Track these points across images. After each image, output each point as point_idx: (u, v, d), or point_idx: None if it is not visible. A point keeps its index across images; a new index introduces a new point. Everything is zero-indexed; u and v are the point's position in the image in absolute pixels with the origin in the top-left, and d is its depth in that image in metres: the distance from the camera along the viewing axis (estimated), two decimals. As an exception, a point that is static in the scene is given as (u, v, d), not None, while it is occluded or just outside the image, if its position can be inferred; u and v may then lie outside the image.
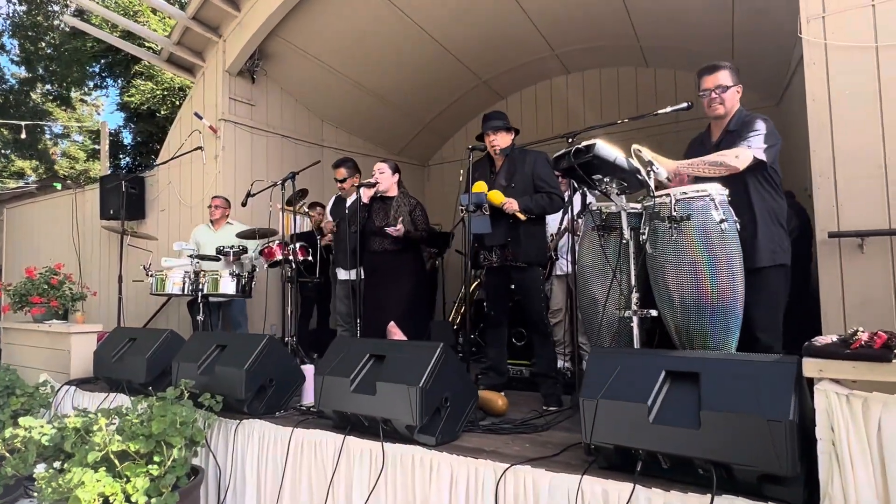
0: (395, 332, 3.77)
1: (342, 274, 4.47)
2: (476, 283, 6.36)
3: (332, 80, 6.32)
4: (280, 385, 3.28)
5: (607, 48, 6.24)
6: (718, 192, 2.43)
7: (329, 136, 6.86)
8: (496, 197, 3.32)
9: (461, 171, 3.50)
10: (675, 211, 2.39)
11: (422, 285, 4.06)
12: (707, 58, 5.98)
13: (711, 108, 2.78)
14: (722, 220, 2.38)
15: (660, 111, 2.78)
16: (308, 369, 3.55)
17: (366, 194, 3.88)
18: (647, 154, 2.46)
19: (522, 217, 3.33)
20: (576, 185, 2.79)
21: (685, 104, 2.77)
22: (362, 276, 3.73)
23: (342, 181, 4.41)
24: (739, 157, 2.50)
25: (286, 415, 3.20)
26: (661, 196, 2.45)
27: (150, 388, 3.53)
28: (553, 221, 4.66)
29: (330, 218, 4.71)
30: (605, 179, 2.55)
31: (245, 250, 4.60)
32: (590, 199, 3.65)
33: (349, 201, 4.39)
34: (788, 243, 2.63)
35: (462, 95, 7.21)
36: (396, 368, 2.62)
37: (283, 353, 3.40)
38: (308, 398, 3.48)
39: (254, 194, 4.83)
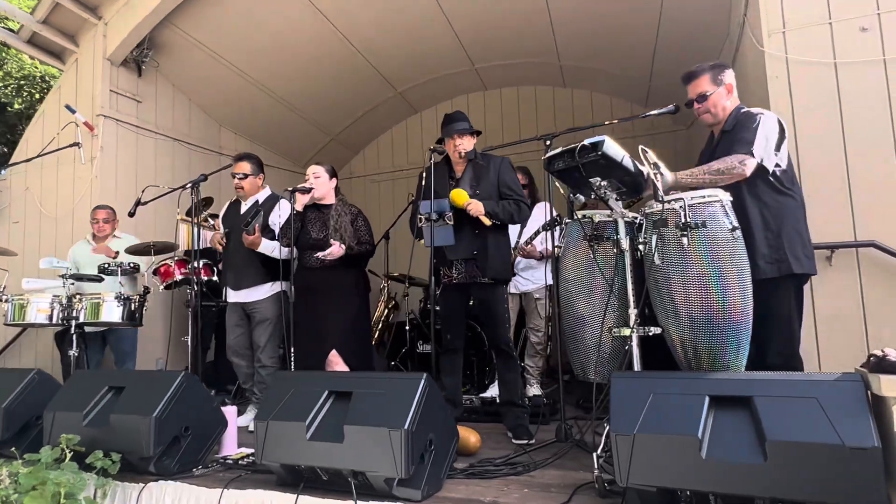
0: (337, 363, 3.23)
1: (233, 296, 3.68)
2: (391, 304, 5.91)
3: (235, 81, 5.64)
4: (198, 434, 2.62)
5: (527, 66, 6.19)
6: (728, 197, 2.27)
7: (228, 142, 6.11)
8: (459, 196, 2.97)
9: (421, 175, 3.10)
10: (687, 217, 2.18)
11: (366, 308, 3.55)
12: (624, 81, 6.31)
13: (701, 118, 2.63)
14: (734, 228, 2.21)
15: (649, 113, 2.60)
16: (229, 412, 2.91)
17: (300, 201, 3.33)
18: (653, 156, 2.23)
19: (487, 222, 2.99)
20: (562, 192, 2.50)
21: (671, 107, 2.61)
22: (291, 298, 3.15)
23: (243, 178, 3.66)
24: (744, 161, 2.34)
25: (208, 472, 2.55)
26: (670, 201, 2.23)
27: (11, 447, 2.67)
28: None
29: (222, 228, 3.90)
30: (602, 183, 2.29)
31: (137, 269, 3.80)
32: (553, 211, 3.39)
33: (245, 206, 3.72)
34: (805, 249, 2.42)
35: (375, 107, 6.81)
36: (369, 407, 2.13)
37: (202, 392, 2.74)
38: (228, 448, 2.85)
39: (145, 202, 4.04)
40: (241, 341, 3.67)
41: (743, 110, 2.58)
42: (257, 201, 3.70)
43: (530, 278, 4.16)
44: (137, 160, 5.12)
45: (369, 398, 2.17)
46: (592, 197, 2.37)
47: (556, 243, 2.67)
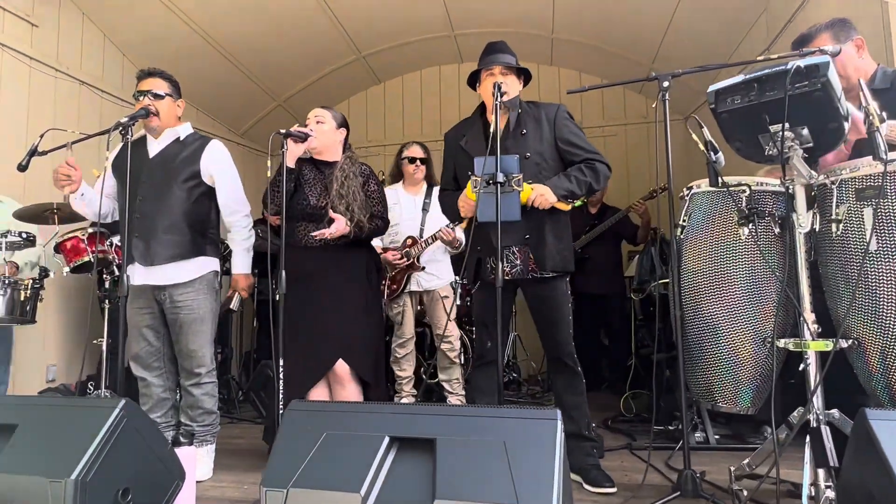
0: (345, 379, 2.32)
1: (140, 276, 2.42)
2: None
3: (166, 19, 4.46)
4: (142, 498, 1.64)
5: (515, 37, 5.38)
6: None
7: (150, 96, 4.89)
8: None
9: (458, 127, 2.29)
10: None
11: (378, 302, 2.63)
12: (620, 63, 5.70)
13: None
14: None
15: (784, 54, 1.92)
16: (185, 457, 1.93)
17: (292, 153, 2.37)
18: (869, 96, 1.56)
19: (566, 207, 2.24)
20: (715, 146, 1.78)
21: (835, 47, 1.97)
22: (282, 288, 2.18)
23: (158, 98, 2.48)
24: None
25: (162, 562, 1.59)
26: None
27: None
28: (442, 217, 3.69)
29: (111, 174, 2.53)
30: (788, 133, 1.59)
31: (31, 241, 2.65)
32: None
33: (157, 145, 2.54)
34: None
35: (333, 70, 5.83)
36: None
37: (149, 430, 1.74)
38: (185, 510, 1.88)
39: (44, 152, 2.87)
40: (153, 349, 2.49)
41: (888, 70, 2.05)
42: (178, 137, 2.55)
43: (435, 272, 3.45)
44: (30, 101, 3.85)
45: (36, 434, 1.58)
46: (766, 153, 1.67)
47: (678, 222, 1.95)
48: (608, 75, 5.70)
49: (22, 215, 2.79)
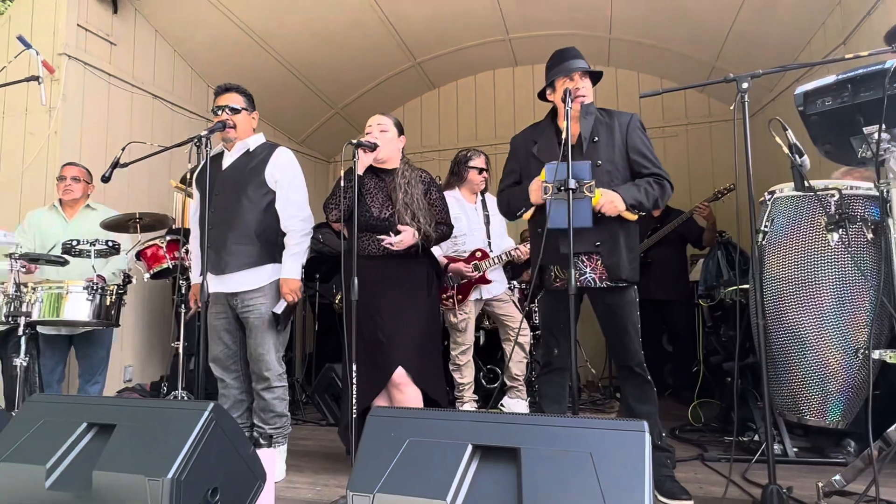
0: (404, 385, 2.35)
1: (215, 284, 2.50)
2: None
3: (230, 33, 4.64)
4: (228, 499, 1.71)
5: (572, 38, 5.39)
6: None
7: (217, 107, 5.09)
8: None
9: (527, 132, 2.28)
10: None
11: (437, 311, 2.65)
12: (681, 62, 5.52)
13: None
14: None
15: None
16: (266, 458, 2.00)
17: (362, 163, 2.41)
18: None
19: (633, 217, 2.20)
20: (800, 148, 1.71)
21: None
22: (354, 295, 2.22)
23: (235, 112, 2.59)
24: None
25: (249, 560, 1.64)
26: None
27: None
28: (501, 227, 3.71)
29: (195, 190, 2.73)
30: (885, 135, 1.52)
31: (116, 249, 2.80)
32: None
33: (229, 159, 2.65)
34: None
35: (388, 78, 5.91)
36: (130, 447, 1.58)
37: (233, 432, 1.81)
38: (265, 511, 1.94)
39: (125, 164, 3.03)
40: (230, 352, 2.60)
41: None
42: (248, 149, 2.64)
43: (497, 279, 3.55)
44: (109, 116, 4.08)
45: (134, 434, 1.64)
46: (860, 156, 1.60)
47: (759, 227, 1.89)
48: (668, 75, 5.58)
49: (108, 224, 2.95)
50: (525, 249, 3.43)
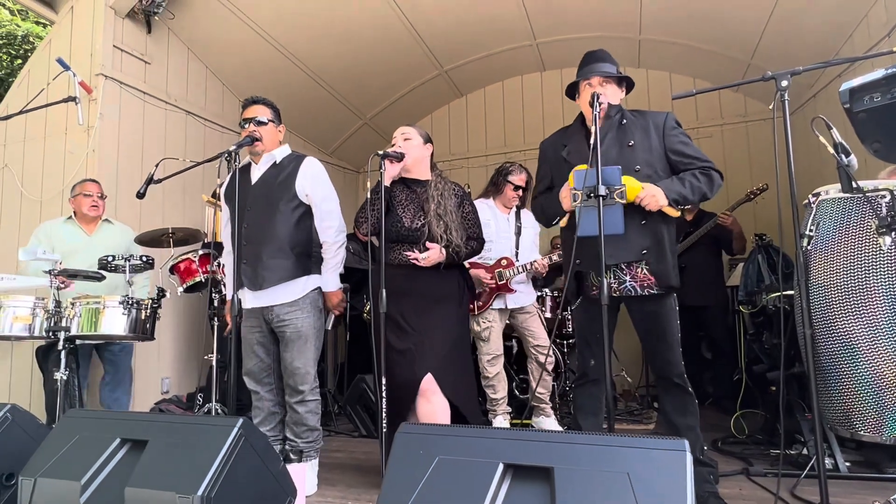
0: (431, 392, 2.30)
1: (250, 299, 2.54)
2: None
3: (260, 48, 4.72)
4: (259, 514, 1.70)
5: (600, 41, 5.28)
6: None
7: (248, 121, 5.17)
8: (629, 186, 2.08)
9: (556, 137, 2.22)
10: None
11: (466, 321, 2.62)
12: (715, 60, 5.35)
13: None
14: None
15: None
16: (296, 473, 1.98)
17: (389, 173, 2.40)
18: None
19: (675, 213, 2.13)
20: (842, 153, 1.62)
21: None
22: (383, 308, 2.20)
23: (262, 125, 2.60)
24: None
25: (280, 579, 1.62)
26: None
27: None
28: (532, 241, 3.63)
29: (224, 204, 2.77)
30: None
31: (151, 264, 2.85)
32: None
33: (257, 173, 2.64)
34: None
35: (416, 87, 5.92)
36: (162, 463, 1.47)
37: (264, 448, 1.80)
38: (296, 527, 1.92)
39: (159, 180, 3.08)
40: (264, 365, 2.60)
41: None
42: (275, 161, 2.64)
43: (523, 290, 3.48)
44: (144, 133, 4.17)
45: (165, 450, 1.64)
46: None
47: (804, 232, 1.79)
48: (701, 74, 5.44)
49: (142, 240, 3.00)
50: (544, 263, 3.39)
